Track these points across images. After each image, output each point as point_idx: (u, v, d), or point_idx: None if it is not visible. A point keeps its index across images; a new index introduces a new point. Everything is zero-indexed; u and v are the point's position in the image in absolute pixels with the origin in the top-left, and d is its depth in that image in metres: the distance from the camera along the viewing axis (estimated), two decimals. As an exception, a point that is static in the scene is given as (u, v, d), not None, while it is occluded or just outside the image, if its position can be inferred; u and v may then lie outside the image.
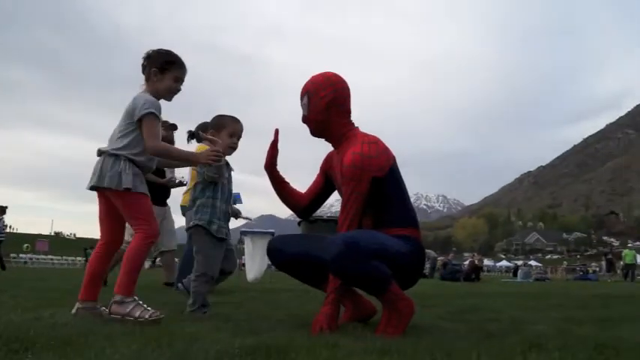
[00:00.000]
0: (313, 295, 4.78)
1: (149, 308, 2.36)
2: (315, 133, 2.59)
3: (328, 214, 9.20)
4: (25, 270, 17.24)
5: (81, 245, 35.31)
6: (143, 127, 2.49)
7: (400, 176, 2.46)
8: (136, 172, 2.50)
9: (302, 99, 2.58)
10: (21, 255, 33.19)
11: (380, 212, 2.41)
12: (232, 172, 3.08)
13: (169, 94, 2.66)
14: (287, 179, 2.84)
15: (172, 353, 1.50)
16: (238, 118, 2.95)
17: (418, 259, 2.41)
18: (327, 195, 2.78)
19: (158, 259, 6.57)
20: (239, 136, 2.91)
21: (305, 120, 2.59)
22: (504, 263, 55.40)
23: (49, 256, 34.95)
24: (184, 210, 5.34)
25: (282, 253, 2.66)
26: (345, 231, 2.32)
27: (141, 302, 2.40)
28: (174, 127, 5.57)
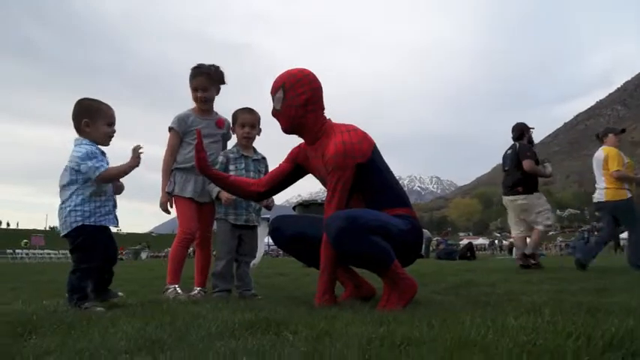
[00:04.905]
0: (310, 278, 4.82)
1: (183, 294, 2.86)
2: (288, 129, 2.52)
3: (322, 199, 9.18)
4: (22, 265, 17.21)
5: (77, 239, 35.17)
6: None
7: (383, 159, 2.47)
8: (178, 179, 3.04)
9: (275, 92, 2.49)
10: (17, 251, 33.12)
11: (372, 195, 2.41)
12: (263, 160, 3.19)
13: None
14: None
15: (173, 330, 1.53)
16: (252, 108, 3.12)
17: (417, 237, 2.44)
18: (290, 183, 2.71)
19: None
20: (252, 125, 3.07)
21: (276, 114, 2.52)
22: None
23: (46, 251, 34.91)
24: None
25: (282, 232, 2.70)
26: None
27: (178, 289, 2.90)
28: None
